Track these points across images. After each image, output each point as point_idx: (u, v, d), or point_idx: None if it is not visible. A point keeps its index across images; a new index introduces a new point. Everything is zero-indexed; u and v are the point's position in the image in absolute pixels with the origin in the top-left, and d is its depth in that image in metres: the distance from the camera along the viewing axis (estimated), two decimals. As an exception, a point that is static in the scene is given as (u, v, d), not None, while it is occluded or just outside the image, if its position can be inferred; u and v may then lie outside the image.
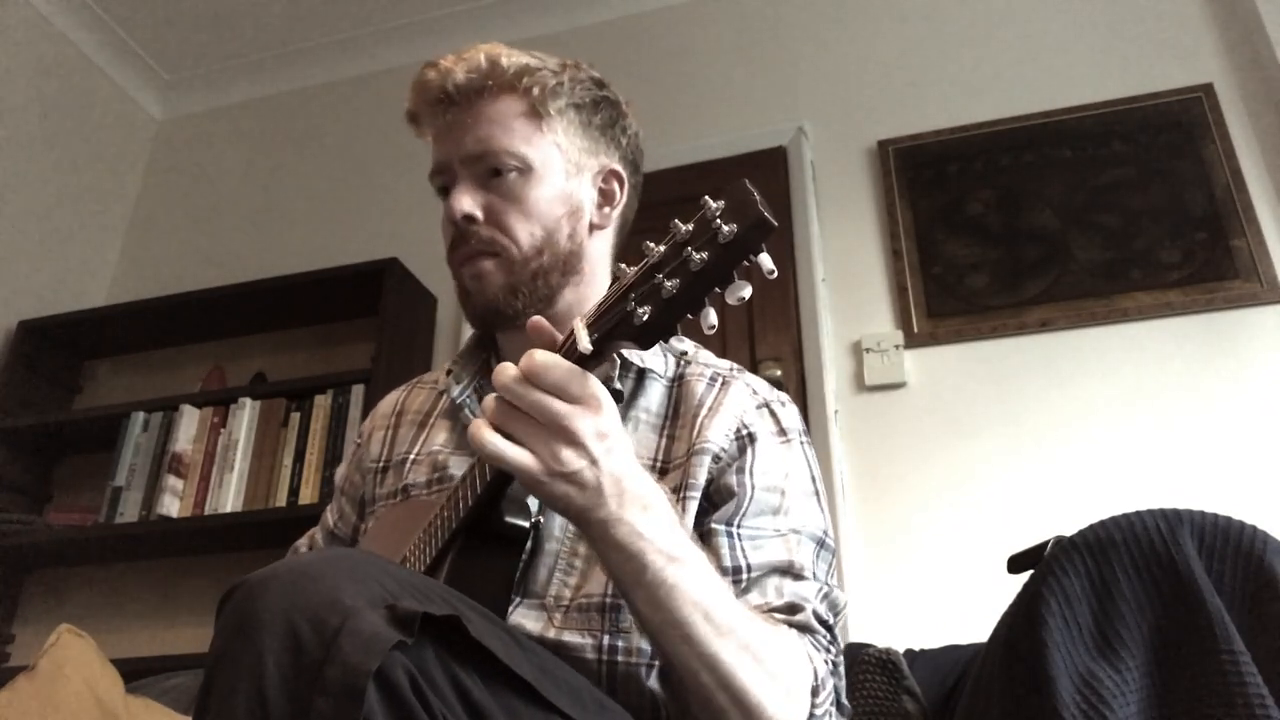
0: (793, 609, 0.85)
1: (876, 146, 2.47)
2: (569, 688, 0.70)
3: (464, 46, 1.03)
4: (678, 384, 1.00)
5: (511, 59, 1.00)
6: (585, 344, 0.69)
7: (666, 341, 0.70)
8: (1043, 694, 0.79)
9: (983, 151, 2.37)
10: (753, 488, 0.91)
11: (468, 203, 0.98)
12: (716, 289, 0.66)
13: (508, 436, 0.70)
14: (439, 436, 1.06)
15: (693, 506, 0.90)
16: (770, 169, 2.49)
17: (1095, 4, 2.47)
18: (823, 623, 0.86)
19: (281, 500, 2.34)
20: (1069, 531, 0.90)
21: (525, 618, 0.88)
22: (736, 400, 0.97)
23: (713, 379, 0.99)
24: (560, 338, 0.73)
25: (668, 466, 0.94)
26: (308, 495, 2.33)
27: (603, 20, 2.94)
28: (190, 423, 2.49)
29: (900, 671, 1.23)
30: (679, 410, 0.98)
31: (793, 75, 2.66)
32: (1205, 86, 2.28)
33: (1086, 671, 0.79)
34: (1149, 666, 0.79)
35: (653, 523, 0.73)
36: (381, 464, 1.10)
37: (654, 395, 0.99)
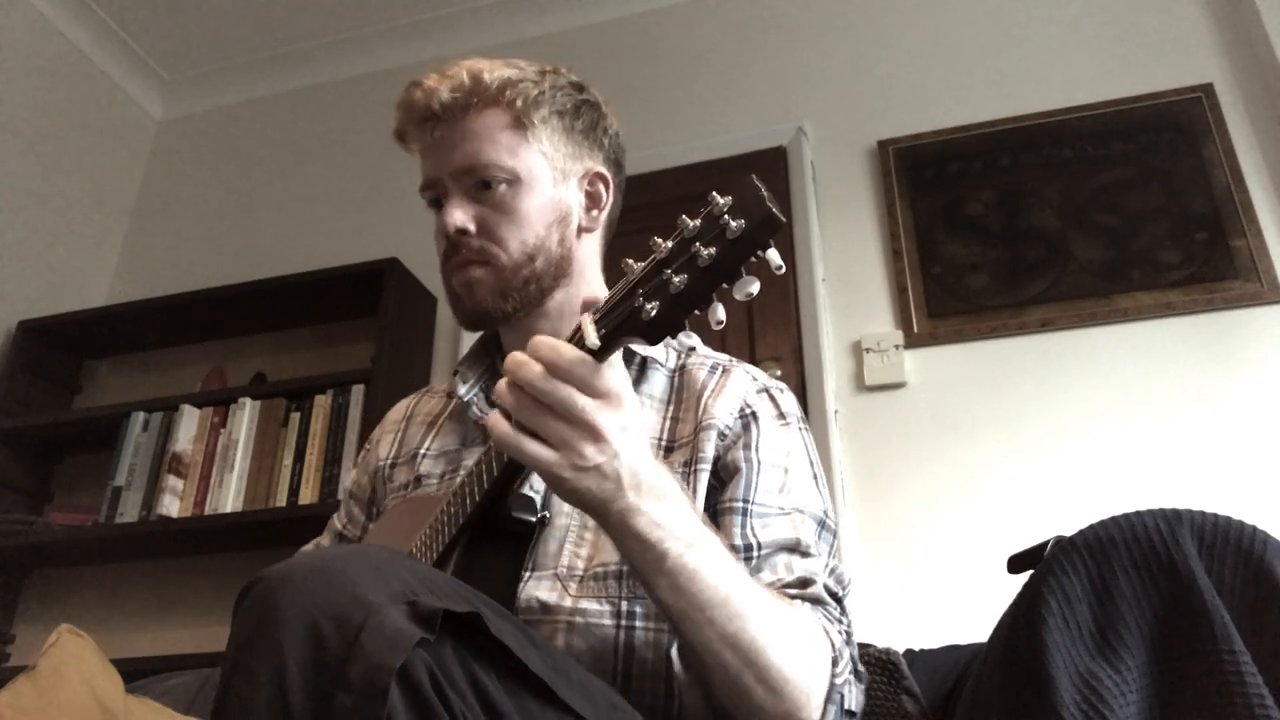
0: (804, 583, 0.87)
1: (876, 146, 2.47)
2: (582, 687, 0.71)
3: (453, 56, 1.06)
4: (679, 372, 1.03)
5: (494, 73, 1.02)
6: (593, 340, 0.70)
7: (674, 337, 0.70)
8: (1043, 694, 0.79)
9: (983, 151, 2.37)
10: (759, 463, 0.93)
11: (460, 216, 1.00)
12: (724, 284, 0.66)
13: (528, 432, 0.70)
14: (450, 434, 1.09)
15: (704, 479, 0.92)
16: (770, 169, 2.49)
17: (1095, 4, 2.47)
18: (833, 595, 0.88)
19: (281, 500, 2.34)
20: (1069, 531, 0.90)
21: (538, 589, 0.88)
22: (738, 383, 1.00)
23: (713, 367, 1.03)
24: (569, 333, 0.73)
25: (673, 445, 0.97)
26: (308, 495, 2.33)
27: (603, 20, 2.94)
28: (190, 423, 2.49)
29: (900, 671, 1.23)
30: (682, 395, 1.01)
31: (793, 75, 2.66)
32: (1205, 86, 2.28)
33: (1086, 671, 0.79)
34: (1149, 666, 0.79)
35: (669, 510, 0.74)
36: (391, 461, 1.13)
37: (657, 382, 1.02)
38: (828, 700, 0.80)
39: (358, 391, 2.41)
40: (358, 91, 3.10)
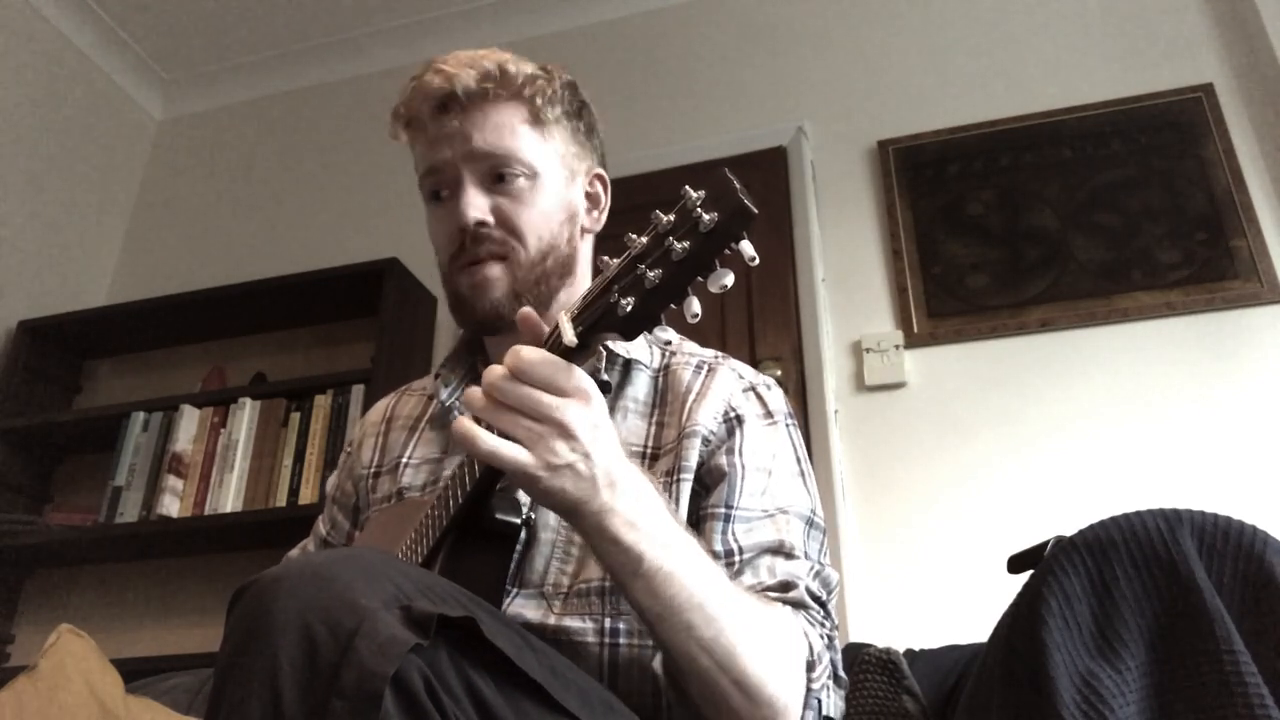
0: (786, 586, 0.86)
1: (876, 146, 2.47)
2: (578, 689, 0.70)
3: (459, 47, 1.04)
4: (664, 373, 1.01)
5: (518, 67, 1.01)
6: (570, 337, 0.70)
7: (650, 331, 0.70)
8: (1043, 694, 0.79)
9: (983, 151, 2.37)
10: (743, 468, 0.92)
11: (479, 206, 0.98)
12: (699, 277, 0.66)
13: (499, 435, 0.70)
14: (431, 440, 1.07)
15: (686, 489, 0.91)
16: (770, 169, 2.49)
17: (1095, 4, 2.47)
18: (815, 599, 0.87)
19: (281, 500, 2.34)
20: (1069, 531, 0.90)
21: (524, 607, 0.88)
22: (723, 384, 0.98)
23: (698, 366, 1.00)
24: (547, 331, 0.73)
25: (658, 452, 0.95)
26: (308, 495, 2.33)
27: (603, 20, 2.94)
28: (190, 423, 2.49)
29: (900, 671, 1.23)
30: (666, 398, 0.99)
31: (793, 75, 2.66)
32: (1205, 86, 2.28)
33: (1086, 671, 0.79)
34: (1149, 666, 0.79)
35: (645, 511, 0.73)
36: (373, 470, 1.10)
37: (641, 385, 1.00)
38: (805, 705, 0.80)
39: (358, 391, 2.41)
40: (358, 91, 3.10)
